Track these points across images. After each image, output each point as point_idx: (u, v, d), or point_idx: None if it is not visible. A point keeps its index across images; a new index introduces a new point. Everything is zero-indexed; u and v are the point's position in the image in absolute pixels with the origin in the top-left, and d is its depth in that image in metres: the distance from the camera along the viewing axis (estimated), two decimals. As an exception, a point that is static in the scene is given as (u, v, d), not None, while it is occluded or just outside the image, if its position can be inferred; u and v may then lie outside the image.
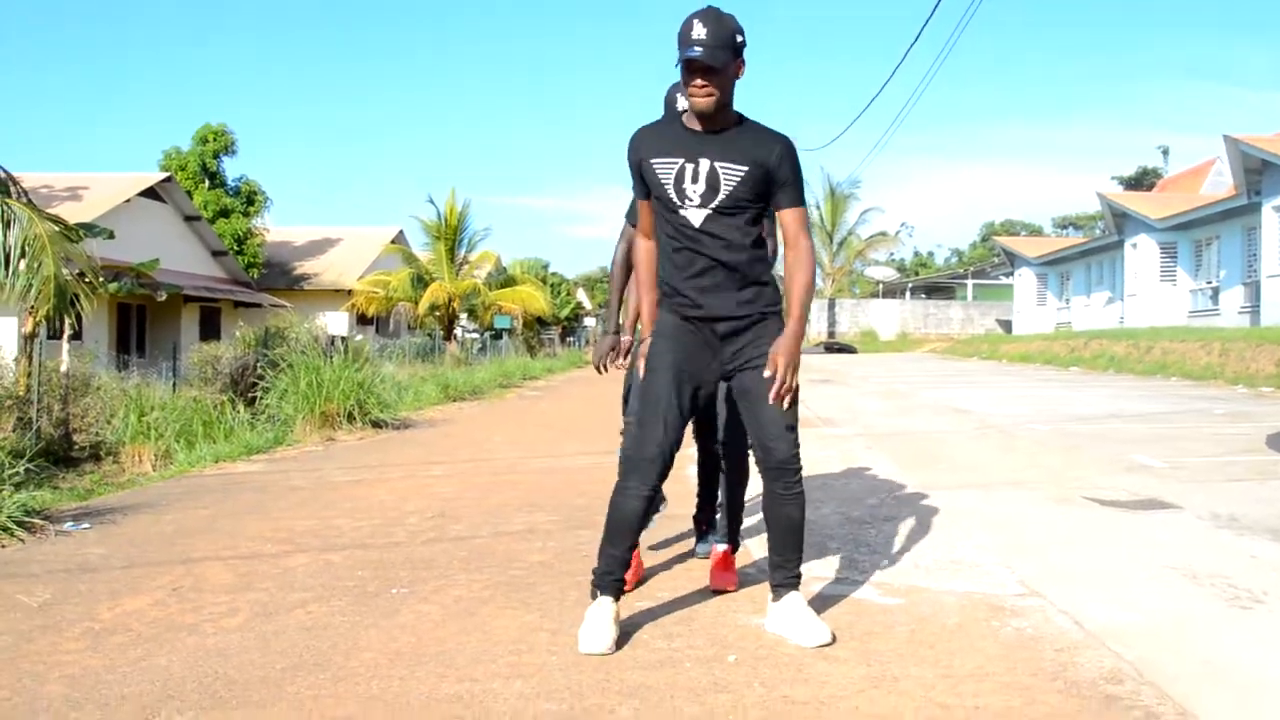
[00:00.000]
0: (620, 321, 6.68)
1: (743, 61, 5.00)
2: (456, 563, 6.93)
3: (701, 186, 5.02)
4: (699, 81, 4.84)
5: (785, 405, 5.08)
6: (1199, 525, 7.78)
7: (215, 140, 50.81)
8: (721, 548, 6.32)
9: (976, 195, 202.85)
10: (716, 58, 4.79)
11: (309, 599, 6.03)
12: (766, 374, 5.03)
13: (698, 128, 5.06)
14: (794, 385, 5.09)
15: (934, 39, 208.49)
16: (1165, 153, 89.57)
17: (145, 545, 7.70)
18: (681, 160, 5.04)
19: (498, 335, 50.81)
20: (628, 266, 6.47)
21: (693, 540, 7.07)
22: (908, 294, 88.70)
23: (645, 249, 5.35)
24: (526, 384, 32.12)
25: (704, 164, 5.01)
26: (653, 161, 5.10)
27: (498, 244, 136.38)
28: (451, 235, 46.02)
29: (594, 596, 5.12)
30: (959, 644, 5.09)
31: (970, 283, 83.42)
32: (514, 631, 5.35)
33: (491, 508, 9.01)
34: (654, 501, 5.24)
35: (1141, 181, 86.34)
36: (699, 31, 4.79)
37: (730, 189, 5.01)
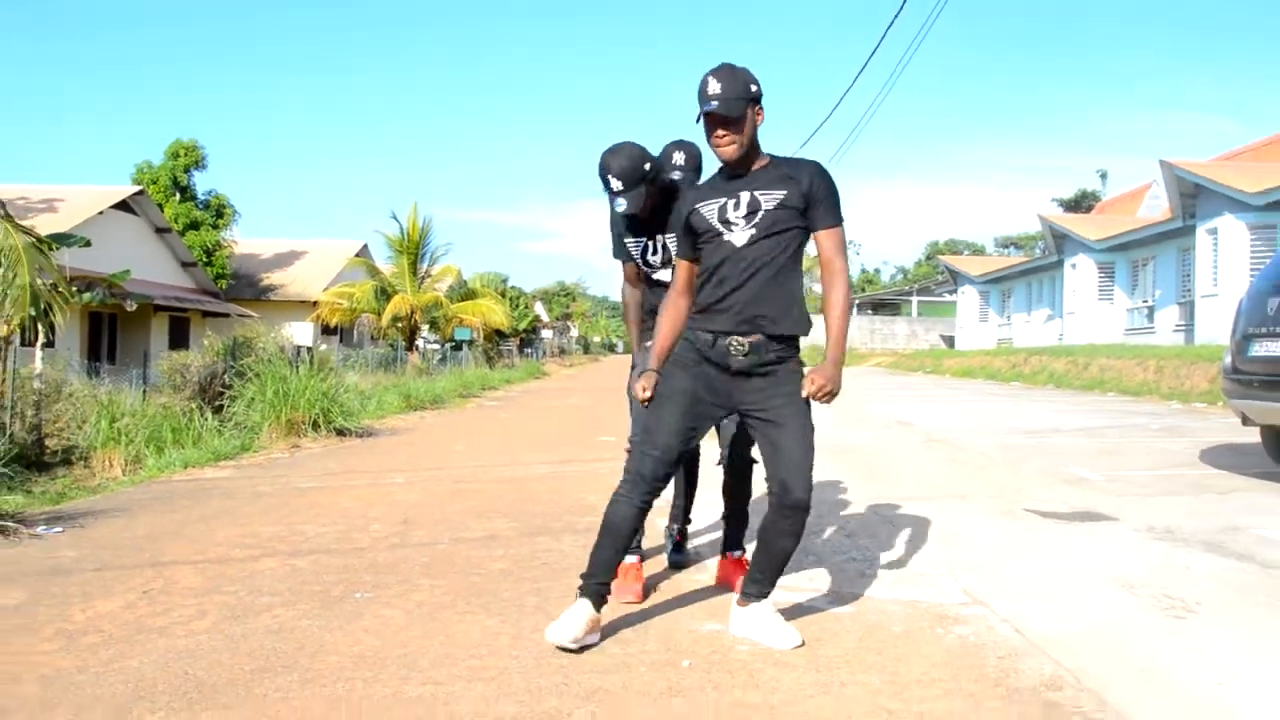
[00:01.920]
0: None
1: (761, 109, 5.12)
2: (419, 568, 6.92)
3: (744, 210, 5.09)
4: (720, 132, 5.00)
5: (807, 434, 5.18)
6: (1135, 537, 7.82)
7: (186, 155, 50.73)
8: (738, 554, 6.42)
9: (921, 215, 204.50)
10: (733, 109, 4.94)
11: (276, 603, 6.01)
12: (806, 391, 5.14)
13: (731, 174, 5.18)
14: (832, 396, 5.16)
15: (885, 61, 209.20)
16: (1104, 176, 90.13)
17: (116, 549, 7.66)
18: (723, 199, 5.14)
19: (458, 346, 50.78)
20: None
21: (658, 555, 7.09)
22: (855, 310, 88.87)
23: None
24: (485, 394, 32.08)
25: (744, 195, 5.11)
26: (698, 207, 5.18)
27: (459, 258, 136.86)
28: (414, 250, 46.02)
29: (581, 596, 5.18)
30: (905, 651, 5.12)
31: (915, 299, 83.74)
32: (475, 635, 5.35)
33: (452, 515, 9.00)
34: (646, 514, 5.26)
35: (1081, 204, 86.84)
36: (714, 87, 4.93)
37: (771, 208, 5.08)
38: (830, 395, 5.11)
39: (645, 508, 5.16)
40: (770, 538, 5.21)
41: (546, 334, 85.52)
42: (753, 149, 5.14)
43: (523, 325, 75.62)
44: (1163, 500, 9.44)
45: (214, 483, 11.33)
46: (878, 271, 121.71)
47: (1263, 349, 10.21)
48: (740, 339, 5.12)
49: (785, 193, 5.08)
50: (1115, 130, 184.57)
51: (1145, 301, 41.75)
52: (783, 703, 4.37)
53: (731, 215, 5.09)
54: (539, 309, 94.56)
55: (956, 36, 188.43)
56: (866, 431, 17.18)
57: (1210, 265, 32.82)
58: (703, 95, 4.96)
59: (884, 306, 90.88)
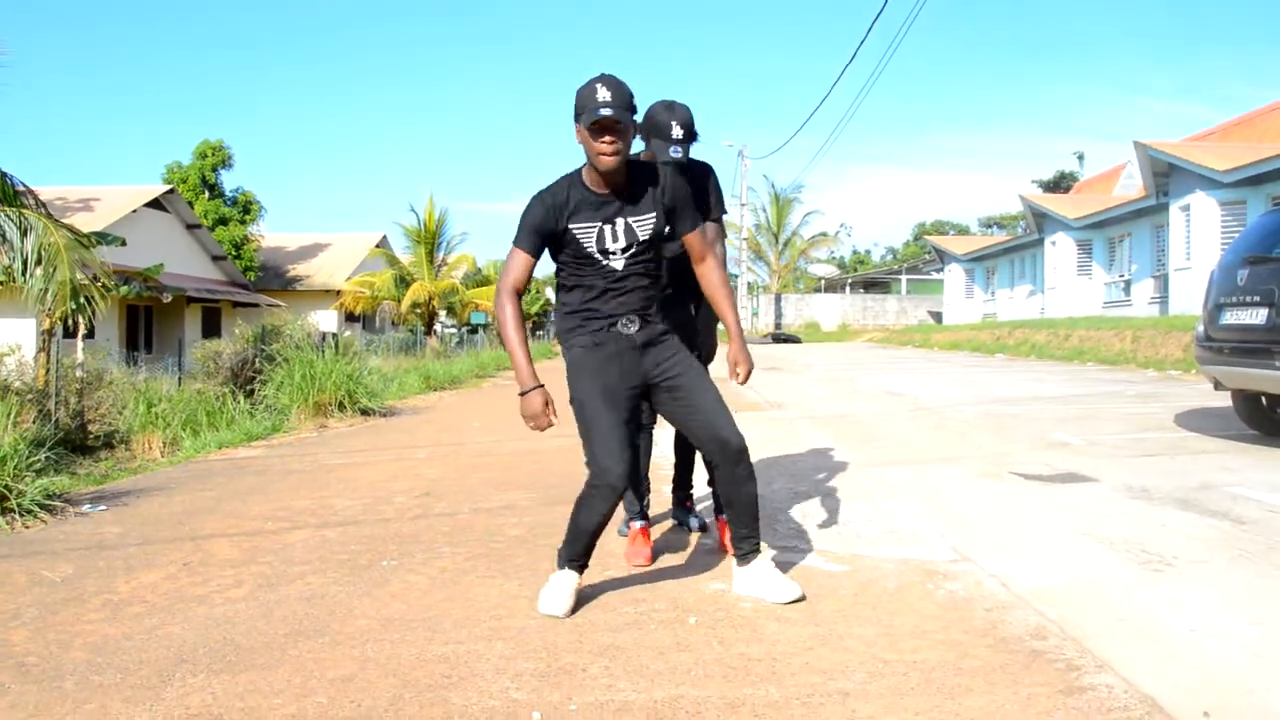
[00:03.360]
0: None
1: (637, 124, 5.01)
2: (441, 537, 6.94)
3: (622, 243, 5.04)
4: (608, 139, 4.80)
5: (722, 402, 5.20)
6: (1114, 496, 7.83)
7: (213, 155, 50.85)
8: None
9: (909, 198, 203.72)
10: (623, 117, 4.78)
11: (307, 571, 6.04)
12: (728, 378, 5.28)
13: (600, 189, 5.02)
14: (749, 372, 5.28)
15: (872, 52, 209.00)
16: (1081, 158, 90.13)
17: (157, 524, 7.69)
18: (600, 224, 5.03)
19: (474, 330, 50.72)
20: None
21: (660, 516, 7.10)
22: (847, 289, 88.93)
23: (516, 310, 5.20)
24: (500, 374, 32.01)
25: (619, 224, 5.04)
26: (573, 228, 5.03)
27: (474, 247, 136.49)
28: (431, 240, 46.07)
29: (561, 569, 5.22)
30: (898, 605, 5.14)
31: (904, 278, 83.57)
32: (495, 599, 5.38)
33: (472, 487, 9.02)
34: (618, 503, 5.12)
35: (1059, 184, 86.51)
36: (604, 94, 4.77)
37: (646, 237, 5.07)
38: (749, 372, 5.29)
39: (617, 500, 5.03)
40: (731, 492, 5.25)
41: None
42: (626, 162, 5.00)
43: (534, 309, 75.51)
44: (1139, 461, 9.44)
45: (247, 461, 11.35)
46: (868, 252, 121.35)
47: (1233, 317, 10.21)
48: (628, 319, 5.16)
49: (654, 215, 5.08)
50: (1091, 115, 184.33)
51: (1122, 276, 41.64)
52: (784, 654, 4.39)
53: (610, 245, 5.06)
54: (549, 293, 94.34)
55: (941, 28, 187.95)
56: (858, 402, 17.18)
57: (1183, 240, 32.74)
58: (590, 100, 4.78)
59: (875, 285, 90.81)
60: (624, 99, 4.81)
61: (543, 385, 5.12)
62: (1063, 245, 45.38)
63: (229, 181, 52.67)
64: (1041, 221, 47.84)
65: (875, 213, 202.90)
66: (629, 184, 5.04)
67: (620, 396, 5.10)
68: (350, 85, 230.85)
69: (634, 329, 5.14)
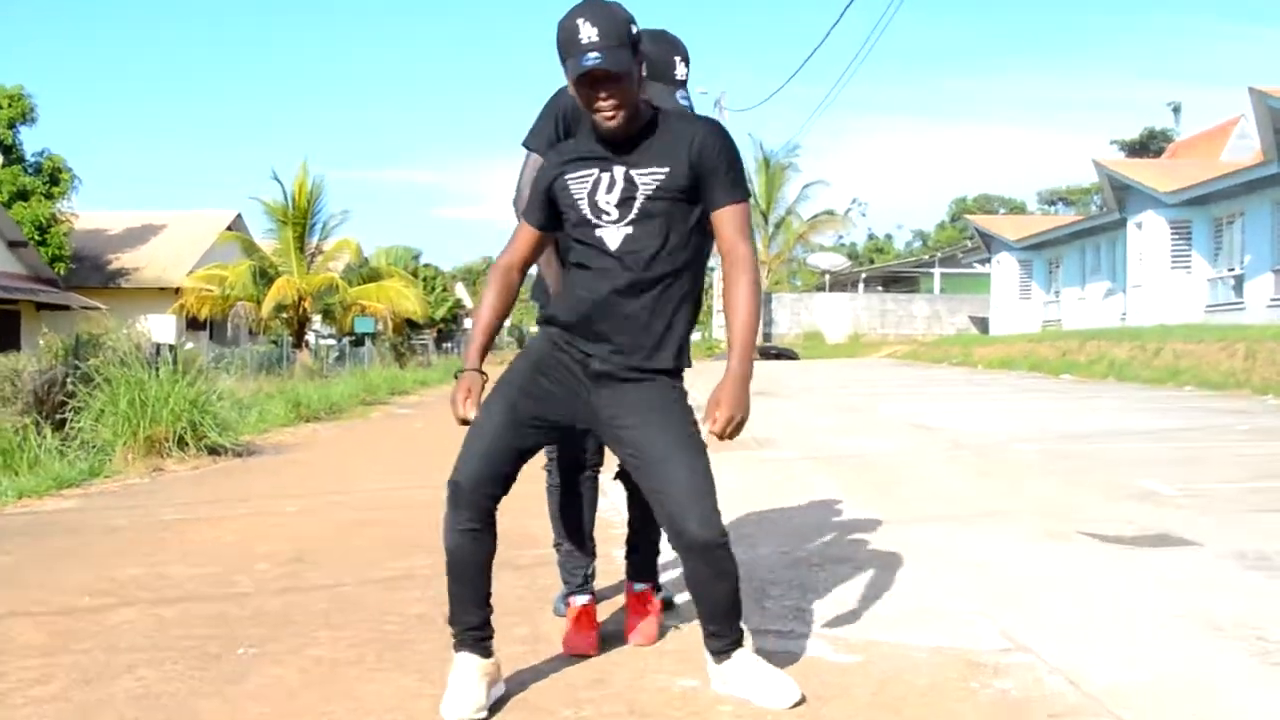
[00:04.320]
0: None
1: (641, 56, 4.86)
2: (316, 617, 6.93)
3: (615, 196, 4.91)
4: (603, 94, 4.72)
5: (696, 467, 4.92)
6: (1220, 565, 7.87)
7: (10, 106, 50.48)
8: (640, 588, 6.36)
9: (942, 164, 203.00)
10: (619, 61, 4.66)
11: (138, 662, 6.01)
12: (706, 428, 4.93)
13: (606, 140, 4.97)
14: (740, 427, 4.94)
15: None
16: (1177, 110, 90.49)
17: (-68, 601, 7.68)
18: (596, 170, 4.95)
19: (359, 341, 50.73)
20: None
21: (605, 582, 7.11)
22: (861, 286, 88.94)
23: (498, 286, 5.22)
24: (395, 400, 32.09)
25: (619, 171, 4.92)
26: (565, 175, 5.00)
27: (359, 229, 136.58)
28: (301, 219, 45.97)
29: (457, 651, 5.06)
30: (930, 709, 5.15)
31: (938, 272, 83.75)
32: (388, 699, 5.36)
33: (358, 550, 9.03)
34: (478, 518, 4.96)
35: (1148, 146, 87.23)
36: (588, 33, 4.64)
37: (649, 191, 4.92)
38: (739, 427, 4.92)
39: (480, 529, 4.94)
40: (697, 590, 5.19)
41: (470, 323, 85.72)
42: (637, 113, 4.91)
43: (441, 313, 75.73)
44: (1254, 518, 9.50)
45: (56, 516, 11.33)
46: (889, 238, 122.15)
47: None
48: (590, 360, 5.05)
49: (666, 169, 4.93)
50: (1191, 51, 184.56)
51: (1231, 270, 41.81)
52: (780, 775, 4.42)
53: (601, 200, 4.95)
54: (460, 291, 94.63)
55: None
56: (875, 437, 17.28)
57: (1316, 222, 32.88)
58: (573, 45, 4.68)
59: (898, 282, 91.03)
60: (617, 33, 4.68)
61: (481, 371, 5.11)
62: (1152, 228, 45.51)
63: (31, 142, 52.49)
64: (1123, 196, 47.92)
65: (898, 184, 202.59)
66: (646, 134, 4.98)
67: (523, 417, 5.00)
68: (195, 19, 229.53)
69: (597, 350, 4.97)
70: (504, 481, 4.91)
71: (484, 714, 4.83)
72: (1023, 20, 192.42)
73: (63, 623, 6.91)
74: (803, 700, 5.15)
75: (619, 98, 4.71)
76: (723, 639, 5.22)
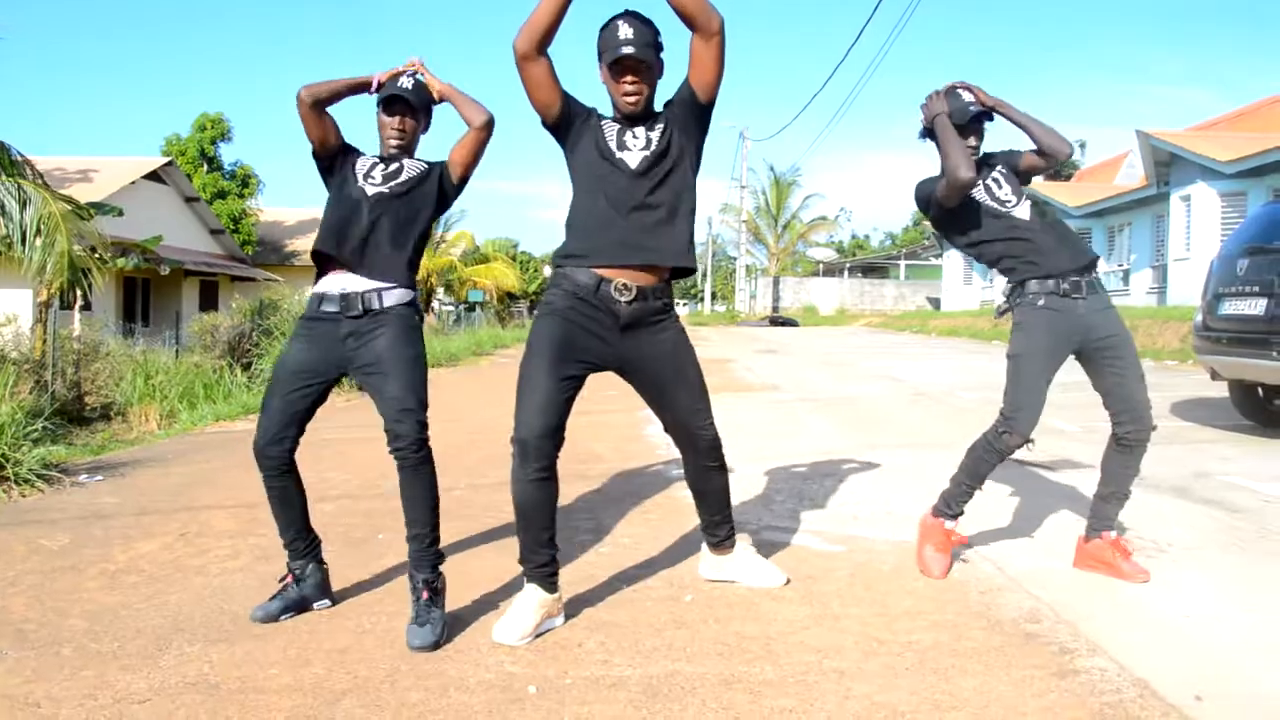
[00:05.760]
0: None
1: (663, 63, 4.73)
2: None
3: (642, 141, 4.68)
4: (631, 79, 4.59)
5: (698, 388, 4.85)
6: (1109, 482, 7.85)
7: (212, 128, 50.59)
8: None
9: (909, 183, 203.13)
10: (647, 55, 4.55)
11: (304, 544, 6.05)
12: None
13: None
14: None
15: (874, 36, 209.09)
16: (1083, 146, 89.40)
17: (154, 495, 7.72)
18: (619, 126, 4.72)
19: (471, 308, 50.79)
20: None
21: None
22: (846, 273, 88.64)
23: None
24: (498, 352, 32.05)
25: (640, 129, 4.70)
26: (600, 119, 4.77)
27: (472, 225, 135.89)
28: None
29: (527, 583, 4.66)
30: (894, 586, 5.19)
31: (903, 263, 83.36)
32: (491, 572, 5.40)
33: (470, 463, 9.04)
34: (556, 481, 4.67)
35: (1060, 173, 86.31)
36: (626, 31, 4.52)
37: (664, 145, 4.68)
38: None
39: (541, 477, 4.61)
40: (704, 483, 5.07)
41: None
42: (650, 104, 4.73)
43: (533, 288, 75.58)
44: (1136, 449, 9.45)
45: (244, 434, 11.32)
46: (868, 237, 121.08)
47: (1232, 307, 10.22)
48: (623, 285, 4.66)
49: (664, 125, 4.72)
50: (1094, 102, 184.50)
51: (1121, 265, 41.58)
52: (780, 634, 4.41)
53: (629, 141, 4.68)
54: (548, 272, 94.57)
55: (941, 13, 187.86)
56: (857, 385, 17.18)
57: (1183, 230, 32.72)
58: (613, 40, 4.52)
59: (873, 270, 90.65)
60: (648, 37, 4.57)
61: None
62: (1062, 233, 45.10)
63: (228, 155, 52.46)
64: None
65: (875, 197, 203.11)
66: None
67: (564, 373, 4.67)
68: (356, 53, 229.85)
69: (626, 298, 4.63)
70: (560, 430, 4.62)
71: (528, 640, 4.43)
72: (969, 76, 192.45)
73: (248, 514, 6.95)
74: (788, 581, 5.18)
75: (642, 83, 4.60)
76: (724, 525, 5.16)
